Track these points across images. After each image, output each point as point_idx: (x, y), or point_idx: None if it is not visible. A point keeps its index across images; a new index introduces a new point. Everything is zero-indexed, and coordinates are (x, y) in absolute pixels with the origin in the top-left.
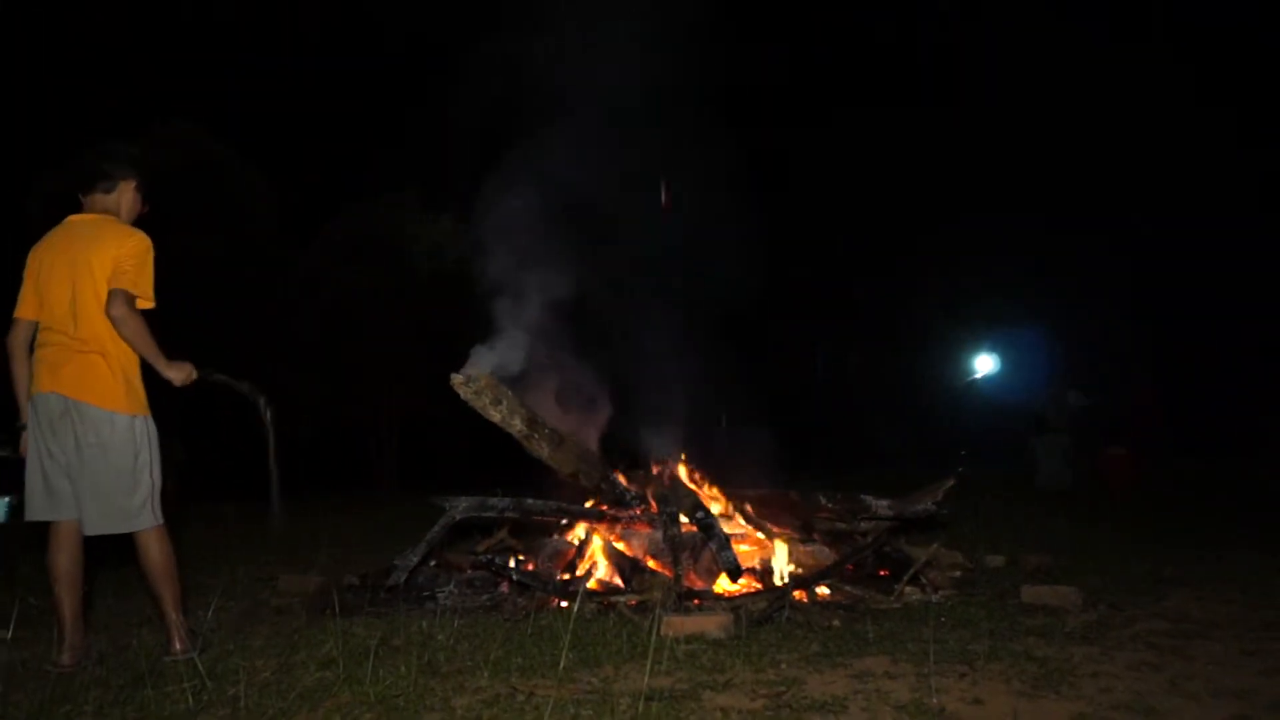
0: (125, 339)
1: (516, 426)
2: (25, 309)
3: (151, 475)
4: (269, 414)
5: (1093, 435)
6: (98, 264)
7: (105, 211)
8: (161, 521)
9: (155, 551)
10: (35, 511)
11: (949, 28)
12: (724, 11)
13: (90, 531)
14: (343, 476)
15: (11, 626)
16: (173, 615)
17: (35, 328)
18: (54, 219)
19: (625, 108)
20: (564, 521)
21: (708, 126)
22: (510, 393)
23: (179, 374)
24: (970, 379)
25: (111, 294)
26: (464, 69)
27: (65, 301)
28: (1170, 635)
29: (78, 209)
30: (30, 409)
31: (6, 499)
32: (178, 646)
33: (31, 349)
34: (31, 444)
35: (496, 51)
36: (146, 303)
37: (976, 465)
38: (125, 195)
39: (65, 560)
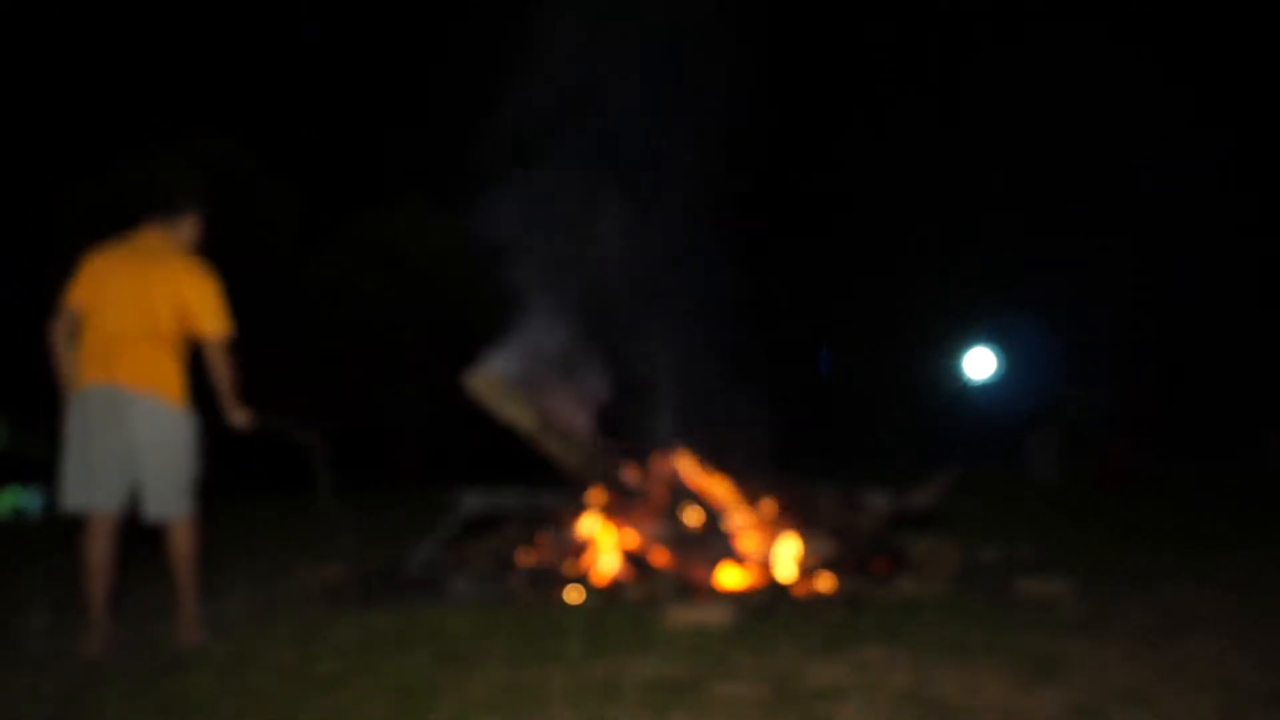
0: (217, 376)
1: (526, 425)
2: (74, 298)
3: (188, 466)
4: (323, 463)
5: (1093, 430)
6: (169, 279)
7: (170, 235)
8: (192, 512)
9: (182, 541)
10: (71, 498)
11: (946, 28)
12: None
13: (148, 517)
14: (362, 472)
15: (43, 617)
16: (190, 605)
17: (75, 320)
18: (87, 229)
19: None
20: (572, 515)
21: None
22: (520, 392)
23: (242, 418)
24: (967, 383)
25: (212, 344)
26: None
27: (118, 301)
28: (1162, 627)
29: (111, 219)
30: (75, 399)
31: (38, 493)
32: (193, 636)
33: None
34: (74, 433)
35: (499, 46)
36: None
37: (973, 461)
38: (191, 226)
39: (99, 551)
